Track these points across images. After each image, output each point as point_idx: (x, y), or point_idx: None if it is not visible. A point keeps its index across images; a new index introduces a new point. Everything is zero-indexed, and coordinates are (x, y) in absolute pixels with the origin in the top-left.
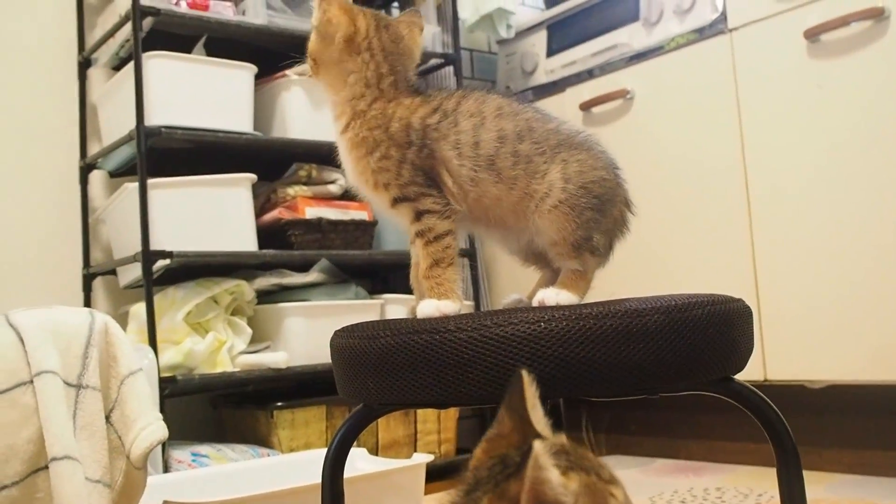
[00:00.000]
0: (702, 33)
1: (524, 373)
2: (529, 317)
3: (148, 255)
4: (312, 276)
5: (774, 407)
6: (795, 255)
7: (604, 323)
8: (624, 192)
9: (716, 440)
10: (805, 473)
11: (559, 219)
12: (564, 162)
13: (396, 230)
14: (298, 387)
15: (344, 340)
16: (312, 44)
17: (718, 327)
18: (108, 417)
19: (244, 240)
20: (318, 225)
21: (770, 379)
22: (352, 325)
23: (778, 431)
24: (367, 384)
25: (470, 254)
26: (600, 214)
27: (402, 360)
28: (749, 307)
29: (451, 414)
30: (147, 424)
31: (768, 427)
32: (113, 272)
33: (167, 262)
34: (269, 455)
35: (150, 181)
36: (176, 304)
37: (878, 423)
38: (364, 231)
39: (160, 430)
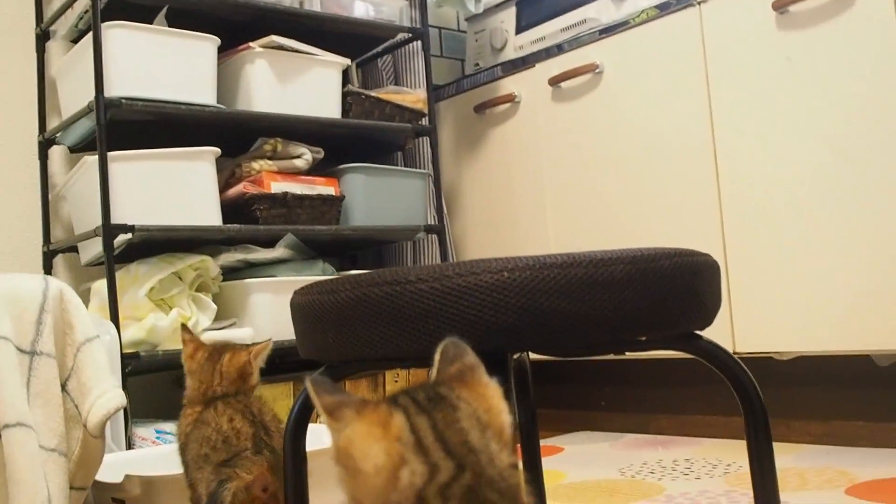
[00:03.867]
0: (670, 6)
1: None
2: (492, 266)
3: (109, 230)
4: (279, 252)
5: (742, 364)
6: (764, 228)
7: (569, 272)
8: None
9: (686, 414)
10: (773, 444)
11: None
12: None
13: (364, 206)
14: (265, 364)
15: (303, 297)
16: None
17: (685, 278)
18: (63, 386)
19: (208, 214)
20: (284, 200)
21: (739, 351)
22: (312, 283)
23: (746, 389)
24: (327, 340)
25: (439, 230)
26: None
27: (361, 313)
28: (716, 262)
29: None
30: (104, 392)
31: (736, 384)
32: (74, 249)
33: (129, 236)
34: None
35: (111, 154)
36: (138, 280)
37: (846, 394)
38: (331, 206)
39: (118, 398)
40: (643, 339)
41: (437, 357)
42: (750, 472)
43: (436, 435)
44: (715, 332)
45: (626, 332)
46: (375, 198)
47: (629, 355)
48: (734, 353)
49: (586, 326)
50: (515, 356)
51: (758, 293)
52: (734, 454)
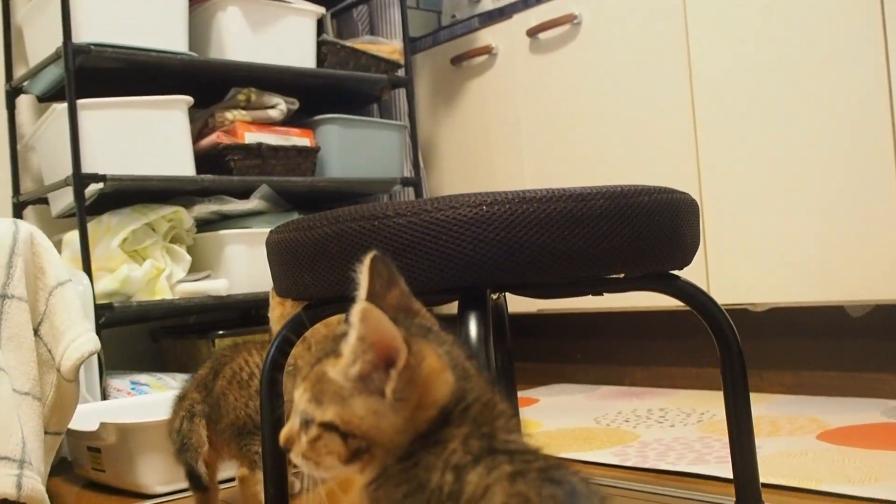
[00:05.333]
0: None
1: (369, 258)
2: (471, 200)
3: (80, 179)
4: (253, 204)
5: (719, 305)
6: (740, 179)
7: (548, 206)
8: None
9: (660, 366)
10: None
11: None
12: None
13: (340, 157)
14: (241, 316)
15: (279, 235)
16: None
17: (664, 215)
18: (36, 331)
19: (181, 164)
20: (258, 150)
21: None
22: (288, 221)
23: (722, 329)
24: (304, 278)
25: (415, 182)
26: None
27: (338, 249)
28: (695, 201)
29: None
30: (77, 336)
31: (713, 324)
32: (44, 201)
33: (100, 186)
34: None
35: (80, 102)
36: (111, 231)
37: (819, 345)
38: (306, 157)
39: (91, 342)
40: (621, 276)
41: (365, 272)
42: (725, 411)
43: (452, 362)
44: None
45: (605, 268)
46: (351, 150)
47: (604, 306)
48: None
49: (565, 261)
50: (494, 297)
51: (733, 245)
52: (708, 404)
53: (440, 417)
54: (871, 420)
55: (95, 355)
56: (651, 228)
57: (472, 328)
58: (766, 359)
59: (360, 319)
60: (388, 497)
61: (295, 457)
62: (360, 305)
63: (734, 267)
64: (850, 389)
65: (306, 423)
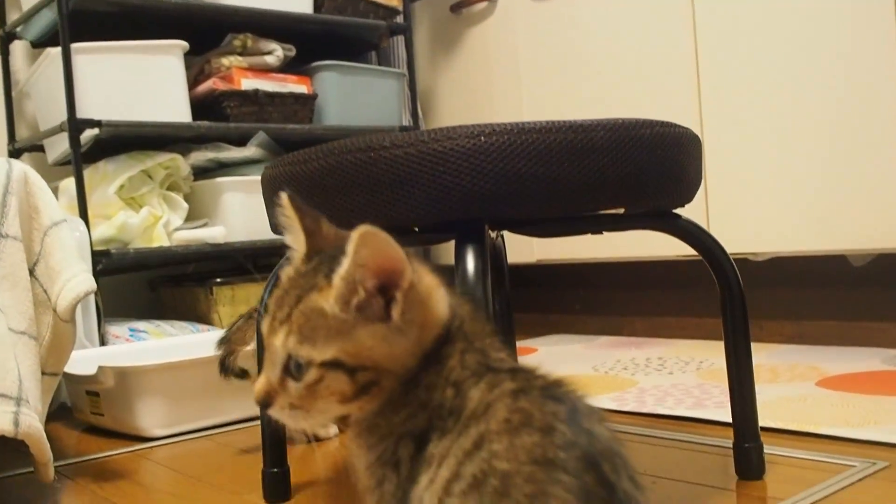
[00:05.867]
0: None
1: (285, 197)
2: (469, 131)
3: (75, 125)
4: (250, 151)
5: (720, 243)
6: (742, 125)
7: (548, 137)
8: None
9: (659, 316)
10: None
11: None
12: None
13: (338, 105)
14: (238, 265)
15: (274, 170)
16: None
17: (666, 149)
18: (32, 271)
19: (177, 111)
20: (255, 97)
21: None
22: (284, 156)
23: (723, 268)
24: None
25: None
26: None
27: (334, 181)
28: (698, 136)
29: None
30: (73, 276)
31: (714, 264)
32: (40, 148)
33: (96, 131)
34: (209, 332)
35: (75, 46)
36: (107, 178)
37: (819, 294)
38: (304, 105)
39: (87, 282)
40: (622, 213)
41: (291, 213)
42: (724, 350)
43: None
44: None
45: (605, 202)
46: (349, 97)
47: (604, 256)
48: None
49: (565, 194)
50: (492, 236)
51: (734, 194)
52: (707, 353)
53: (443, 335)
54: (871, 368)
55: (94, 302)
56: (653, 162)
57: (470, 263)
58: (766, 309)
59: (363, 244)
60: (387, 423)
61: (278, 410)
62: (361, 229)
63: (735, 216)
64: (850, 338)
65: (297, 368)
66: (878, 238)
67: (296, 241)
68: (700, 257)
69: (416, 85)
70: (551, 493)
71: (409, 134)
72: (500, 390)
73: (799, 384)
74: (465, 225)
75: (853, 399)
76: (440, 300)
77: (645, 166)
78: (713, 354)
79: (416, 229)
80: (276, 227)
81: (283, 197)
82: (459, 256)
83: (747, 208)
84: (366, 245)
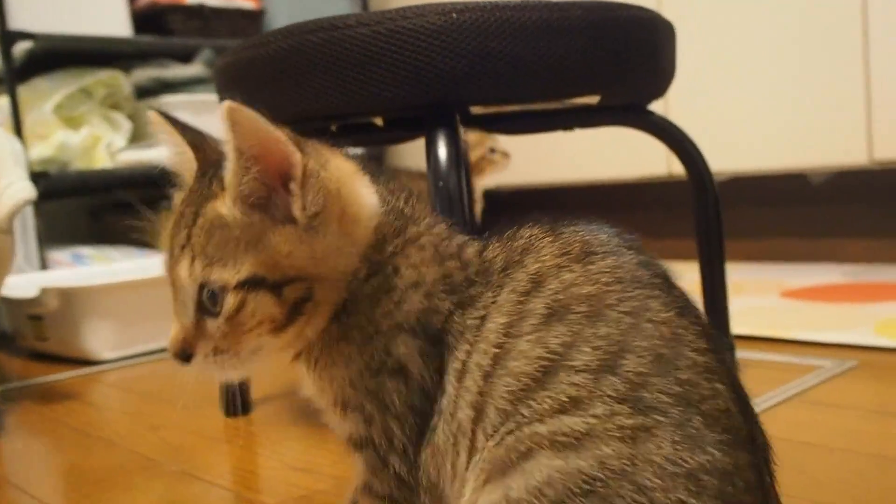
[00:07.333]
0: None
1: (154, 114)
2: (440, 7)
3: (8, 37)
4: (195, 69)
5: (691, 138)
6: (702, 43)
7: (523, 14)
8: None
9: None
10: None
11: None
12: None
13: (288, 21)
14: None
15: (229, 57)
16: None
17: (643, 32)
18: None
19: (117, 24)
20: (200, 11)
21: (674, 174)
22: (239, 41)
23: (695, 163)
24: (258, 99)
25: None
26: None
27: (296, 64)
28: (673, 25)
29: None
30: (10, 184)
31: (685, 157)
32: None
33: (29, 44)
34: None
35: None
36: (44, 96)
37: (780, 213)
38: (251, 21)
39: (25, 190)
40: (595, 105)
41: (167, 127)
42: (698, 251)
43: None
44: (651, 155)
45: (580, 86)
46: (300, 14)
47: (575, 178)
48: (670, 174)
49: (540, 74)
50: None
51: (693, 114)
52: (681, 272)
53: (391, 223)
54: (832, 281)
55: (33, 226)
56: (630, 46)
57: (442, 150)
58: (728, 228)
59: (232, 124)
60: (368, 322)
61: (202, 360)
62: (225, 105)
63: (694, 135)
64: (811, 255)
65: (212, 299)
66: (837, 156)
67: (183, 159)
68: (663, 178)
69: None
70: (651, 307)
71: (376, 12)
72: (528, 232)
73: (764, 296)
74: (436, 110)
75: (818, 307)
76: (359, 188)
77: (621, 49)
78: (689, 274)
79: (381, 123)
80: None
81: (152, 114)
82: (430, 143)
83: (707, 128)
84: (236, 124)
